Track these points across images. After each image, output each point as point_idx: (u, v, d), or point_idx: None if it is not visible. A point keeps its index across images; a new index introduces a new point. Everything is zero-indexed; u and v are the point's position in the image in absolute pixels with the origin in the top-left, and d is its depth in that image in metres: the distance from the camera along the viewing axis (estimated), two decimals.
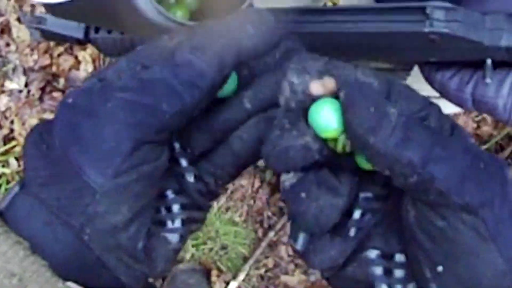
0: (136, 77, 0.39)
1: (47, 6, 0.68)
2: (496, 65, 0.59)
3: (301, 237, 0.41)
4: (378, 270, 0.41)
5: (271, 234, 2.06)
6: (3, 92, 2.16)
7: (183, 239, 0.45)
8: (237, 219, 2.07)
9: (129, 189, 0.39)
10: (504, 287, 0.37)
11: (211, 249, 2.04)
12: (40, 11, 2.07)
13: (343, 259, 0.41)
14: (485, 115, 2.06)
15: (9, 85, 2.17)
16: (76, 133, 0.38)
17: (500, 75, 0.60)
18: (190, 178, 0.45)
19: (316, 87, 0.38)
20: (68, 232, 0.39)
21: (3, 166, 2.06)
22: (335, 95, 0.38)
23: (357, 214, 0.41)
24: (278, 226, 2.06)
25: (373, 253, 0.41)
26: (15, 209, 0.40)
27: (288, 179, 0.39)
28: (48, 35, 0.88)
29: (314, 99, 0.38)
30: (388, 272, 0.41)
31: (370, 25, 0.53)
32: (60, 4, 0.50)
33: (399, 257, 0.41)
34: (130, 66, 0.40)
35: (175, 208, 0.45)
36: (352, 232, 0.41)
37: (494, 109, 0.61)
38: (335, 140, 0.39)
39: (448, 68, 0.62)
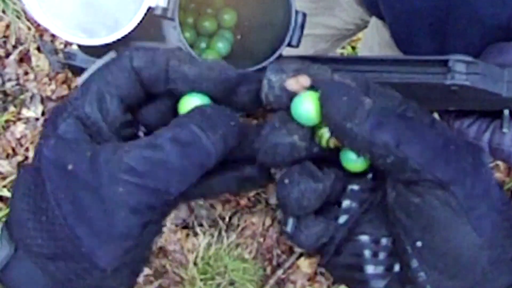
0: (143, 156, 0.40)
1: (81, 45, 0.71)
2: None
3: (290, 221, 0.44)
4: (367, 253, 0.44)
5: (280, 272, 2.06)
6: (19, 119, 2.19)
7: None
8: (246, 255, 2.08)
9: (134, 258, 0.42)
10: (483, 262, 0.40)
11: (219, 284, 2.04)
12: (60, 42, 2.11)
13: (327, 238, 0.44)
14: (498, 163, 2.08)
15: (26, 113, 2.20)
16: (79, 208, 0.40)
17: None
18: None
19: (291, 83, 0.42)
20: None
21: None
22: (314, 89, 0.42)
23: (345, 204, 0.45)
24: (287, 264, 2.07)
25: (363, 238, 0.45)
26: (13, 272, 0.42)
27: (279, 173, 0.44)
28: (75, 70, 0.90)
29: (292, 95, 0.42)
30: (375, 255, 0.44)
31: (394, 76, 0.56)
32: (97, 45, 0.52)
33: (385, 241, 0.44)
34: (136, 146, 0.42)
35: None
36: (341, 219, 0.44)
37: (510, 157, 0.63)
38: (319, 136, 0.42)
39: (467, 117, 0.64)
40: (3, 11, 2.22)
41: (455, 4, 0.72)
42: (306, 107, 0.41)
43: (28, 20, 2.21)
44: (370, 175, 0.44)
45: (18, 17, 2.21)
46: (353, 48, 2.10)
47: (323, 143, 0.42)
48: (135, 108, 0.45)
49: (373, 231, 0.45)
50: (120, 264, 0.41)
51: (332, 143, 0.42)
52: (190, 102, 0.44)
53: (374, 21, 1.09)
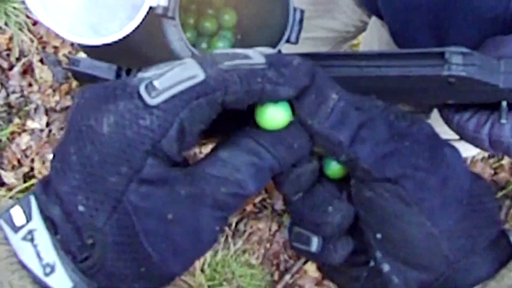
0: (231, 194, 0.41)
1: (83, 47, 0.72)
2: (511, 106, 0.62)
3: (315, 241, 0.45)
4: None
5: (287, 277, 2.06)
6: (24, 131, 2.20)
7: None
8: (253, 261, 2.08)
9: None
10: (444, 252, 0.42)
11: None
12: (63, 53, 2.12)
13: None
14: (503, 162, 2.08)
15: (31, 124, 2.21)
16: (175, 247, 0.40)
17: None
18: None
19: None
20: None
21: None
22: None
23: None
24: (294, 269, 2.07)
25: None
26: None
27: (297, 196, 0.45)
28: (79, 77, 0.91)
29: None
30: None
31: (392, 70, 0.56)
32: (97, 46, 0.53)
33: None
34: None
35: None
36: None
37: (509, 148, 0.64)
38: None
39: (466, 110, 0.65)
40: (6, 24, 2.24)
41: None
42: (271, 112, 0.42)
43: (30, 32, 2.22)
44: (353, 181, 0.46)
45: (21, 30, 2.22)
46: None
47: (331, 174, 0.45)
48: None
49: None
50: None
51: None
52: (273, 114, 0.42)
53: (373, 21, 1.09)
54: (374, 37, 1.10)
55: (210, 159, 0.42)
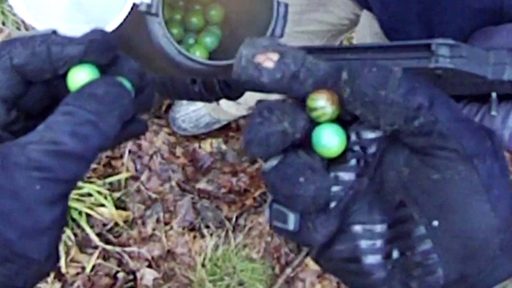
0: (49, 152, 0.42)
1: None
2: (502, 97, 0.61)
3: (292, 218, 0.43)
4: (363, 244, 0.43)
5: (288, 270, 2.06)
6: None
7: None
8: (254, 255, 2.08)
9: (59, 235, 0.45)
10: (495, 243, 0.39)
11: (228, 285, 2.05)
12: None
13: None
14: None
15: None
16: (3, 213, 0.41)
17: (505, 107, 0.62)
18: None
19: (260, 58, 0.41)
20: None
21: None
22: (333, 119, 0.42)
23: (333, 189, 0.44)
24: (296, 263, 2.07)
25: (355, 228, 0.44)
26: None
27: (268, 163, 0.43)
28: None
29: (316, 123, 0.42)
30: (371, 244, 0.43)
31: (380, 62, 0.56)
32: None
33: (379, 228, 0.43)
34: None
35: None
36: (332, 205, 0.43)
37: (501, 140, 0.63)
38: (314, 109, 0.42)
39: (456, 102, 0.65)
40: (3, 23, 2.23)
41: None
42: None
43: (27, 30, 2.22)
44: (353, 161, 0.44)
45: (18, 29, 2.22)
46: (350, 43, 2.10)
47: (323, 117, 0.42)
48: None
49: (365, 219, 0.44)
50: (52, 249, 0.43)
51: (328, 116, 0.42)
52: (78, 76, 0.45)
53: (364, 14, 1.09)
54: (366, 30, 1.10)
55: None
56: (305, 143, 0.43)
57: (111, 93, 0.44)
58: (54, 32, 0.45)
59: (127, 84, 0.47)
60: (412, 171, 0.41)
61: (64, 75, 0.46)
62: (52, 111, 0.46)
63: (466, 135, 0.39)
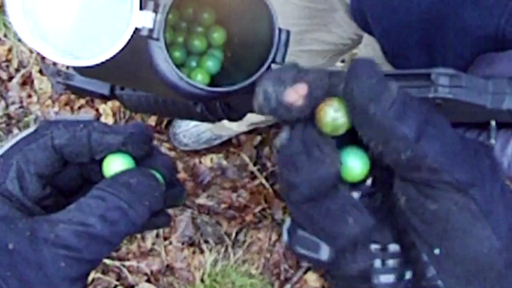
0: (78, 233, 0.45)
1: (75, 67, 0.72)
2: (501, 125, 0.61)
3: (326, 249, 0.42)
4: (377, 263, 0.43)
5: (288, 286, 2.06)
6: None
7: None
8: (253, 271, 2.08)
9: None
10: (499, 264, 0.39)
11: None
12: (62, 64, 2.12)
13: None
14: None
15: None
16: (26, 285, 0.44)
17: (504, 135, 0.62)
18: None
19: (290, 95, 0.40)
20: None
21: None
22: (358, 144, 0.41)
23: None
24: (295, 279, 2.07)
25: (372, 247, 0.43)
26: None
27: (280, 139, 0.41)
28: (74, 90, 0.91)
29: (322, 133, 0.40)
30: (384, 263, 0.43)
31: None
32: (88, 66, 0.53)
33: (393, 247, 0.43)
34: None
35: None
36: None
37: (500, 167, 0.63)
38: (321, 115, 0.40)
39: (456, 129, 0.65)
40: (5, 35, 2.24)
41: (443, 16, 0.73)
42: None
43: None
44: (369, 181, 0.43)
45: (20, 41, 2.23)
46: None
47: (326, 127, 0.40)
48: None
49: (380, 238, 0.43)
50: None
51: (331, 127, 0.40)
52: (114, 164, 0.49)
53: (367, 36, 1.10)
54: (369, 51, 1.11)
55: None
56: None
57: (144, 184, 0.47)
58: (97, 119, 0.47)
59: (160, 177, 0.50)
60: (409, 200, 0.40)
61: (100, 160, 0.49)
62: (82, 191, 0.51)
63: (459, 168, 0.38)
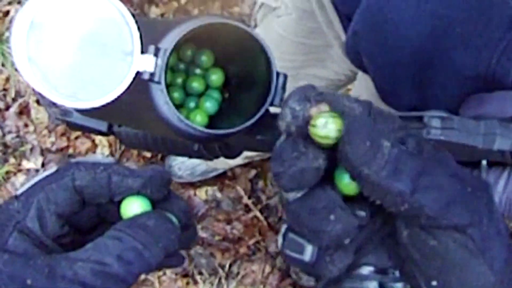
0: (95, 272, 0.46)
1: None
2: (492, 163, 0.63)
3: (309, 249, 0.44)
4: (372, 285, 0.45)
5: None
6: (20, 171, 2.21)
7: None
8: None
9: None
10: None
11: None
12: None
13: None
14: None
15: (26, 164, 2.21)
16: None
17: (495, 173, 0.64)
18: None
19: (314, 112, 0.42)
20: None
21: None
22: None
23: None
24: None
25: (366, 270, 0.45)
26: None
27: (292, 193, 0.43)
28: (72, 127, 0.92)
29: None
30: (382, 286, 0.45)
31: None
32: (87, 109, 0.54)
33: (391, 272, 0.45)
34: None
35: None
36: (347, 241, 0.44)
37: None
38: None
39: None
40: (3, 64, 2.26)
41: (434, 55, 0.74)
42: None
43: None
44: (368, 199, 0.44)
45: (17, 70, 2.24)
46: None
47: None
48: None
49: (377, 261, 0.45)
50: None
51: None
52: (132, 206, 0.51)
53: (361, 73, 1.11)
54: (363, 87, 1.12)
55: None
56: (324, 177, 0.44)
57: (160, 227, 0.49)
58: (117, 162, 0.49)
59: (175, 221, 0.52)
60: (411, 234, 0.42)
61: (118, 202, 0.51)
62: (98, 229, 0.53)
63: (457, 212, 0.40)
